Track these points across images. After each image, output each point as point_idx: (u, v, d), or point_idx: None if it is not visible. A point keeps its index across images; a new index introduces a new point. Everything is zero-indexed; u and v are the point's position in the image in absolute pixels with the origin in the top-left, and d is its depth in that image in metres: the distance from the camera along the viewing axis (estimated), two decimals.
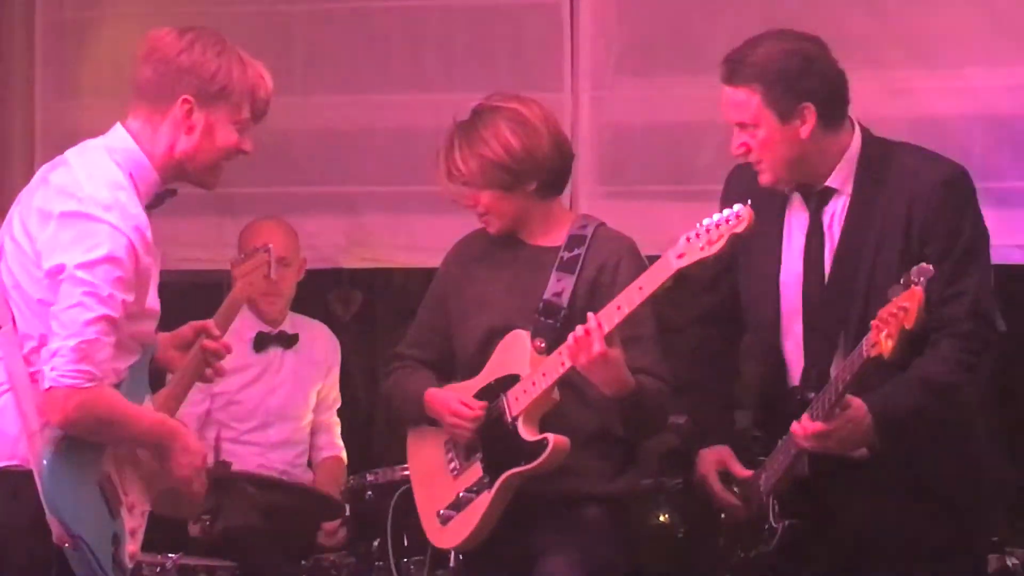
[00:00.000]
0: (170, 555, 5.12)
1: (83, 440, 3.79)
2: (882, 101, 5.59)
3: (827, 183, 4.26)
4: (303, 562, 5.44)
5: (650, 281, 4.16)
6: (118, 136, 3.91)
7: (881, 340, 3.87)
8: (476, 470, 4.45)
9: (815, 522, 4.26)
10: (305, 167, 6.49)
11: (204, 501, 4.10)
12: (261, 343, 5.95)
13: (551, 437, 4.32)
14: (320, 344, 6.08)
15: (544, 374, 4.33)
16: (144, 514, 3.98)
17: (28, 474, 3.77)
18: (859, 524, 4.21)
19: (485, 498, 4.41)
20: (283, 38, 6.38)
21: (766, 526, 4.32)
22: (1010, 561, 5.29)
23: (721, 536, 4.53)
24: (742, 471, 4.37)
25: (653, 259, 4.26)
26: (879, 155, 4.23)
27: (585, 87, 6.26)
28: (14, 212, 3.91)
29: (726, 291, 4.46)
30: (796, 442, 4.15)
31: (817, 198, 4.27)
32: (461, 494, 4.46)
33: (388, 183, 6.46)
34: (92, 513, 3.82)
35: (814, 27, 4.40)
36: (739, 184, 4.41)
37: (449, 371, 4.63)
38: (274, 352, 5.93)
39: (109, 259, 3.73)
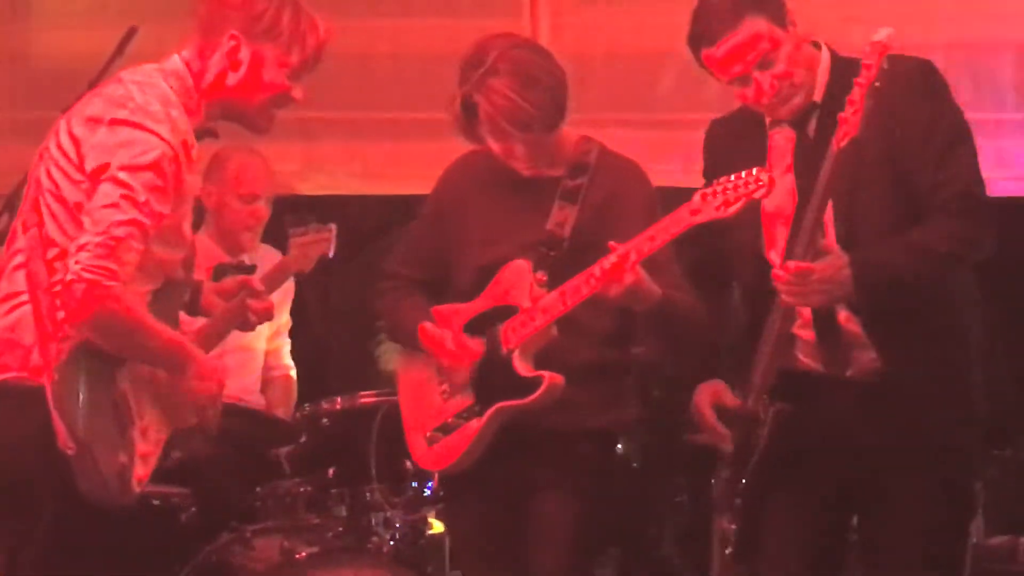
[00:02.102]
0: None
1: (98, 352, 3.81)
2: (841, 27, 5.56)
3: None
4: (257, 489, 5.41)
5: (662, 231, 4.12)
6: (172, 62, 3.99)
7: (849, 123, 3.88)
8: (467, 396, 4.41)
9: (803, 417, 4.19)
10: None
11: (212, 429, 4.11)
12: (220, 273, 5.89)
13: (547, 375, 4.29)
14: None
15: (544, 311, 4.29)
16: (159, 443, 3.99)
17: (37, 389, 3.79)
18: (843, 438, 4.17)
19: (474, 426, 4.37)
20: None
21: (757, 438, 4.24)
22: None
23: (724, 469, 4.48)
24: (734, 400, 4.34)
25: None
26: (849, 67, 4.19)
27: (545, 14, 6.22)
28: (60, 122, 3.97)
29: (711, 243, 4.38)
30: (779, 296, 4.07)
31: (800, 116, 4.21)
32: (450, 419, 4.43)
33: (344, 109, 6.40)
34: (100, 424, 3.83)
35: None
36: (718, 132, 4.41)
37: (440, 292, 4.57)
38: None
39: (153, 167, 3.79)
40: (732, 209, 4.03)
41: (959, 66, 5.75)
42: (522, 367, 4.32)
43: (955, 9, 5.84)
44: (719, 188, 4.04)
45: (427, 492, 5.20)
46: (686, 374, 4.49)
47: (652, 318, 4.26)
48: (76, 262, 3.73)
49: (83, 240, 3.74)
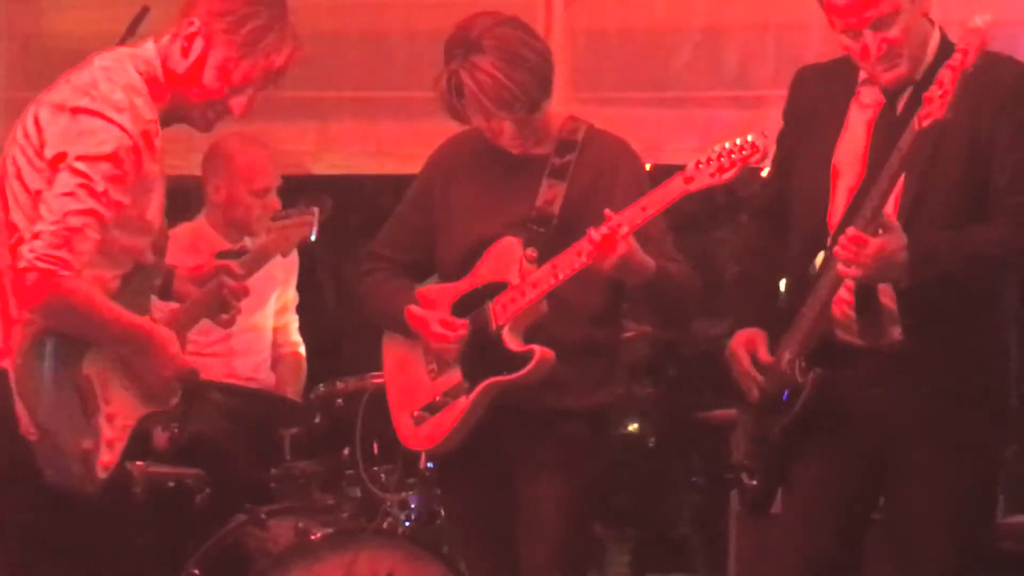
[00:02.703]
0: (136, 463, 5.07)
1: (63, 337, 3.81)
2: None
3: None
4: (272, 470, 5.40)
5: (654, 202, 4.12)
6: (146, 47, 3.97)
7: (935, 104, 3.83)
8: (455, 375, 4.39)
9: (843, 382, 4.18)
10: None
11: (172, 407, 4.07)
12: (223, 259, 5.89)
13: (537, 349, 4.27)
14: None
15: (534, 285, 4.27)
16: (126, 429, 3.96)
17: (0, 372, 3.79)
18: (876, 413, 4.16)
19: (462, 403, 4.35)
20: None
21: (789, 398, 4.23)
22: None
23: (740, 427, 4.45)
24: (767, 356, 4.31)
25: None
26: (951, 51, 4.17)
27: None
28: (29, 107, 3.94)
29: (781, 186, 4.39)
30: (834, 263, 4.05)
31: (892, 87, 4.19)
32: (438, 398, 4.41)
33: (357, 88, 6.38)
34: (63, 410, 3.82)
35: None
36: (808, 79, 4.39)
37: (426, 274, 4.56)
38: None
39: (111, 157, 3.77)
40: (727, 175, 4.02)
41: None
42: (512, 342, 4.31)
43: None
44: (714, 155, 4.04)
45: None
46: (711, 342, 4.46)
47: (646, 290, 4.25)
48: (30, 250, 3.72)
49: (38, 228, 3.73)
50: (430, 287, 4.51)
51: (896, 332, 4.15)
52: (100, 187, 3.75)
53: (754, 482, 4.35)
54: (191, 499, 5.19)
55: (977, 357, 4.17)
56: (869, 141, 4.20)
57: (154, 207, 3.95)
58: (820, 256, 4.19)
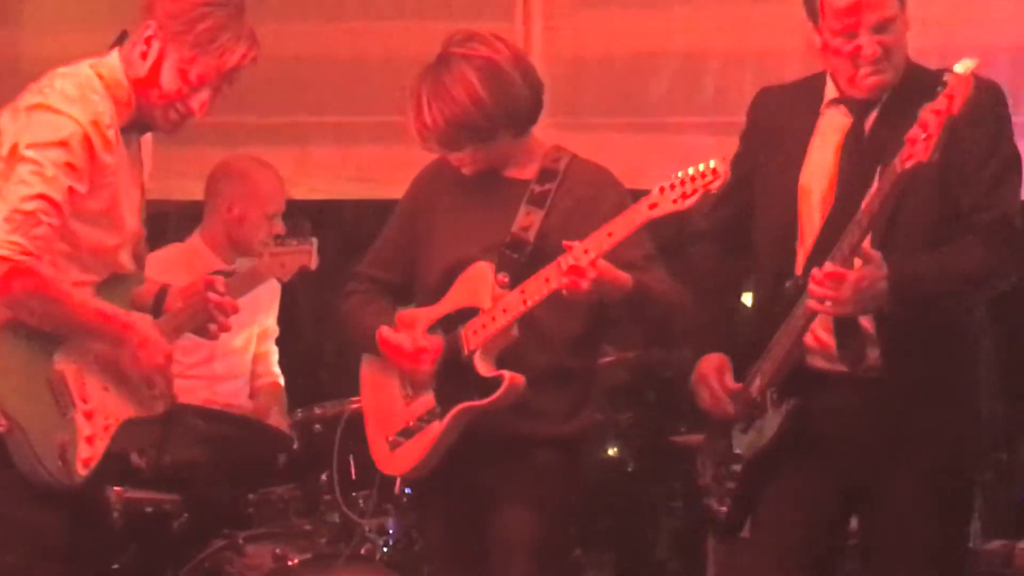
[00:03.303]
0: (115, 488, 5.06)
1: (31, 331, 3.85)
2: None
3: None
4: (250, 495, 5.39)
5: (620, 228, 4.13)
6: (109, 56, 4.05)
7: (919, 146, 3.85)
8: (428, 399, 4.40)
9: (814, 409, 4.20)
10: (253, 97, 6.39)
11: (169, 401, 4.13)
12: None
13: (507, 375, 4.27)
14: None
15: (504, 310, 4.28)
16: (108, 428, 4.00)
17: None
18: (849, 435, 4.18)
19: (436, 428, 4.36)
20: None
21: (760, 428, 4.25)
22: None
23: (706, 452, 4.47)
24: (733, 383, 4.32)
25: None
26: (918, 70, 4.21)
27: (537, 17, 6.20)
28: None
29: (738, 205, 4.39)
30: (807, 300, 4.06)
31: (863, 106, 4.21)
32: (412, 422, 4.41)
33: (337, 113, 6.39)
34: (33, 403, 3.86)
35: None
36: (769, 100, 4.41)
37: (410, 295, 4.56)
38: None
39: (60, 144, 3.85)
40: (689, 202, 4.04)
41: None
42: (483, 368, 4.31)
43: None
44: (676, 180, 4.05)
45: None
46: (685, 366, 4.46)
47: (626, 307, 4.25)
48: None
49: None
50: (408, 311, 4.51)
51: (874, 355, 4.15)
52: (50, 172, 3.83)
53: (723, 508, 4.36)
54: (169, 524, 5.18)
55: (950, 381, 4.18)
56: (837, 166, 4.20)
57: (125, 206, 3.99)
58: (789, 284, 4.20)
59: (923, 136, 3.86)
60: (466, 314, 4.36)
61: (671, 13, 6.10)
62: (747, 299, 4.51)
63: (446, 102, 4.32)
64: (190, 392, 5.60)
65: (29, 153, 3.84)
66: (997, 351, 5.08)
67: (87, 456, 3.93)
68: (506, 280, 4.32)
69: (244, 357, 5.94)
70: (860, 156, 4.17)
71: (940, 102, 3.87)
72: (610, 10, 6.17)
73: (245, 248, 5.81)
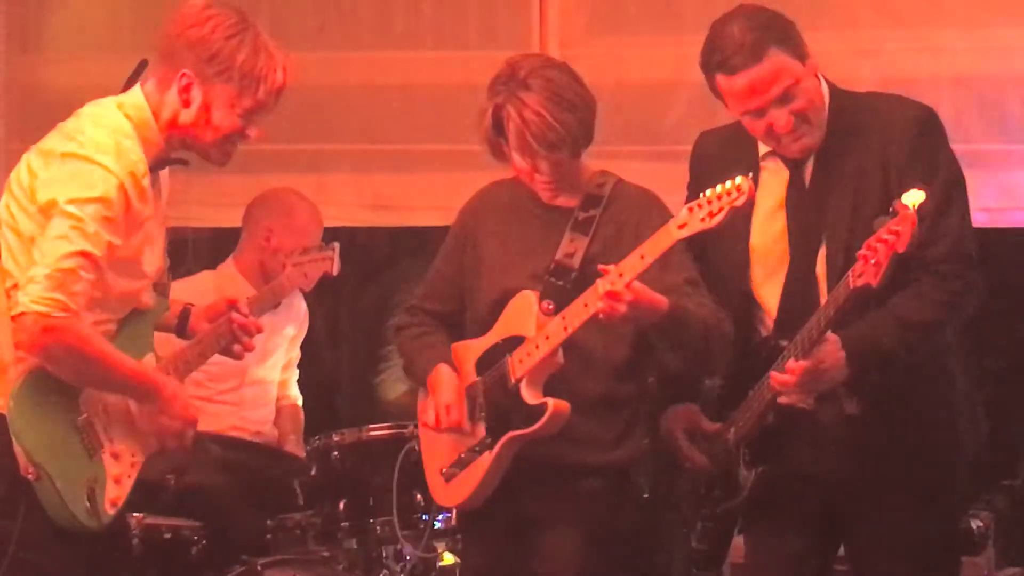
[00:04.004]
0: (134, 514, 5.08)
1: (58, 379, 3.85)
2: (850, 61, 5.58)
3: None
4: (268, 522, 5.41)
5: (651, 250, 4.11)
6: (133, 93, 4.02)
7: (869, 269, 3.83)
8: (480, 429, 4.42)
9: (786, 470, 4.24)
10: (270, 124, 6.40)
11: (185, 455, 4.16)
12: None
13: (550, 402, 4.28)
14: (296, 306, 6.05)
15: (547, 337, 4.28)
16: (135, 466, 4.02)
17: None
18: (830, 473, 4.19)
19: (487, 458, 4.37)
20: None
21: (736, 478, 4.30)
22: (975, 524, 5.29)
23: (685, 495, 4.52)
24: (710, 426, 4.36)
25: None
26: (849, 103, 4.19)
27: (553, 46, 6.23)
28: (24, 156, 4.00)
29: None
30: (773, 386, 4.11)
31: (793, 160, 4.21)
32: (464, 453, 4.43)
33: (353, 141, 6.42)
34: (60, 448, 3.86)
35: None
36: (708, 148, 4.39)
37: (464, 323, 4.55)
38: (265, 318, 5.86)
39: (100, 200, 3.83)
40: (716, 220, 4.03)
41: (967, 98, 5.77)
42: (529, 396, 4.32)
43: (963, 43, 5.85)
44: (704, 200, 4.05)
45: (438, 524, 5.19)
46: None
47: (661, 329, 4.22)
48: (26, 294, 3.77)
49: (32, 272, 3.79)
50: (461, 343, 4.52)
51: (852, 406, 4.16)
52: (91, 228, 3.81)
53: (704, 547, 4.40)
54: (188, 550, 5.18)
55: (927, 412, 4.18)
56: (786, 223, 4.19)
57: (152, 252, 4.00)
58: (762, 346, 4.22)
59: (873, 261, 3.84)
60: (513, 343, 4.37)
61: (686, 41, 6.08)
62: None
63: (566, 104, 4.27)
64: (218, 418, 5.65)
65: (70, 208, 3.81)
66: (1009, 374, 5.10)
67: (114, 496, 3.95)
68: (551, 308, 4.32)
69: (270, 386, 5.98)
70: (805, 211, 4.17)
71: (889, 236, 3.83)
72: (625, 38, 6.20)
73: (273, 275, 5.83)
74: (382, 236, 7.02)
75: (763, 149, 4.24)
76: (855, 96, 4.24)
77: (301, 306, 6.08)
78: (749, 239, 4.26)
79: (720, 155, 4.32)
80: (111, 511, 3.94)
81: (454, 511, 4.77)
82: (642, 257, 4.12)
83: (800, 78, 4.08)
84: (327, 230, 6.78)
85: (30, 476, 3.81)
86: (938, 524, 4.23)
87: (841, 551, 4.41)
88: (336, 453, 5.34)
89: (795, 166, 4.20)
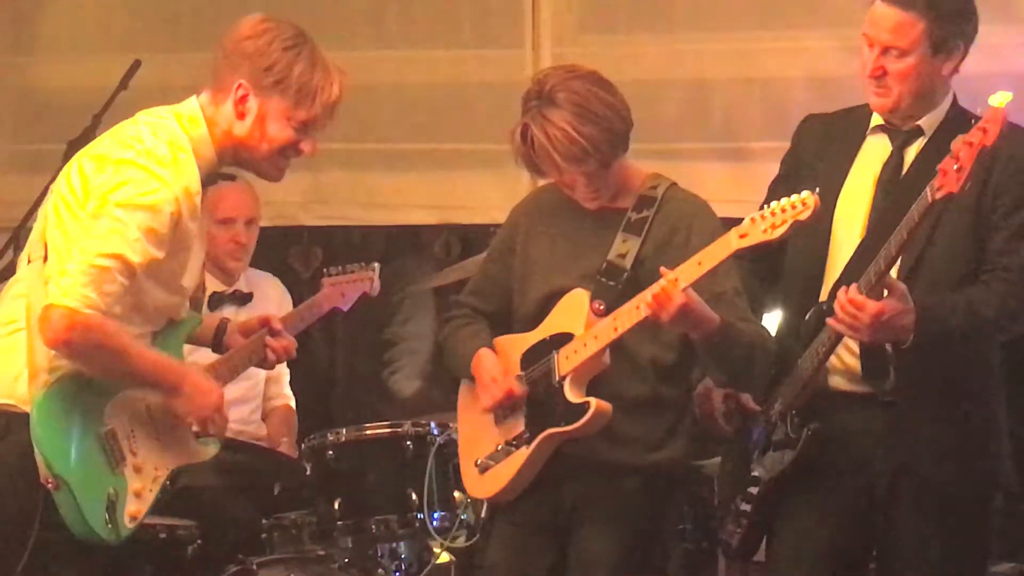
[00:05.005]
0: None
1: (86, 387, 3.84)
2: (843, 56, 5.59)
3: (918, 122, 4.26)
4: (263, 521, 5.41)
5: (710, 257, 4.11)
6: (188, 105, 3.99)
7: (951, 176, 3.86)
8: (519, 423, 4.40)
9: (835, 434, 4.23)
10: None
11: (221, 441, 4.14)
12: (216, 303, 5.91)
13: (593, 401, 4.26)
14: (273, 299, 6.04)
15: (596, 337, 4.27)
16: (157, 479, 4.01)
17: (22, 416, 3.82)
18: (866, 458, 4.21)
19: (523, 453, 4.36)
20: None
21: (778, 445, 4.29)
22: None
23: (723, 477, 4.53)
24: (752, 404, 4.38)
25: None
26: (961, 116, 4.23)
27: (546, 44, 6.24)
28: (73, 159, 3.98)
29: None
30: (829, 319, 4.11)
31: (904, 136, 4.26)
32: (501, 446, 4.41)
33: (348, 140, 6.43)
34: (83, 459, 3.84)
35: None
36: (815, 124, 4.45)
37: (508, 323, 4.53)
38: (228, 311, 5.87)
39: (150, 208, 3.80)
40: (778, 232, 4.02)
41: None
42: (572, 394, 4.31)
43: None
44: (767, 211, 4.04)
45: (433, 523, 5.20)
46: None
47: (709, 345, 4.21)
48: (56, 287, 3.76)
49: (67, 265, 3.78)
50: (506, 336, 4.50)
51: (889, 381, 4.18)
52: (133, 234, 3.79)
53: (738, 531, 4.39)
54: (183, 550, 5.18)
55: (966, 409, 4.21)
56: (873, 196, 4.24)
57: (192, 267, 3.98)
58: (813, 311, 4.24)
59: (955, 167, 3.87)
60: (561, 340, 4.35)
61: (679, 39, 6.14)
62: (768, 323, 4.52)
63: (592, 117, 4.25)
64: None
65: (117, 212, 3.78)
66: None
67: (134, 510, 3.93)
68: (602, 308, 4.30)
69: (255, 382, 5.97)
70: (896, 188, 4.21)
71: (974, 134, 3.88)
72: (618, 37, 6.21)
73: (216, 262, 5.83)
74: (376, 235, 7.03)
75: (873, 121, 4.30)
76: (967, 113, 4.25)
77: (280, 297, 6.06)
78: (833, 211, 4.28)
79: (825, 131, 4.39)
80: (130, 525, 3.93)
81: (485, 503, 4.77)
82: (699, 264, 4.11)
83: (909, 52, 4.16)
84: (321, 229, 6.82)
85: (49, 485, 3.79)
86: (970, 520, 4.25)
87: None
88: (331, 452, 5.34)
89: (899, 146, 4.25)
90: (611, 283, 4.33)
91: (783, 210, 4.02)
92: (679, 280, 4.10)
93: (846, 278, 4.18)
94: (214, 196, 5.83)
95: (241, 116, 3.95)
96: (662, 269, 4.14)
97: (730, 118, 6.14)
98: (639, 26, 6.16)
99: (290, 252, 6.98)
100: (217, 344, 4.30)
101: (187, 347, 4.26)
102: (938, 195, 3.90)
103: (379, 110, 6.45)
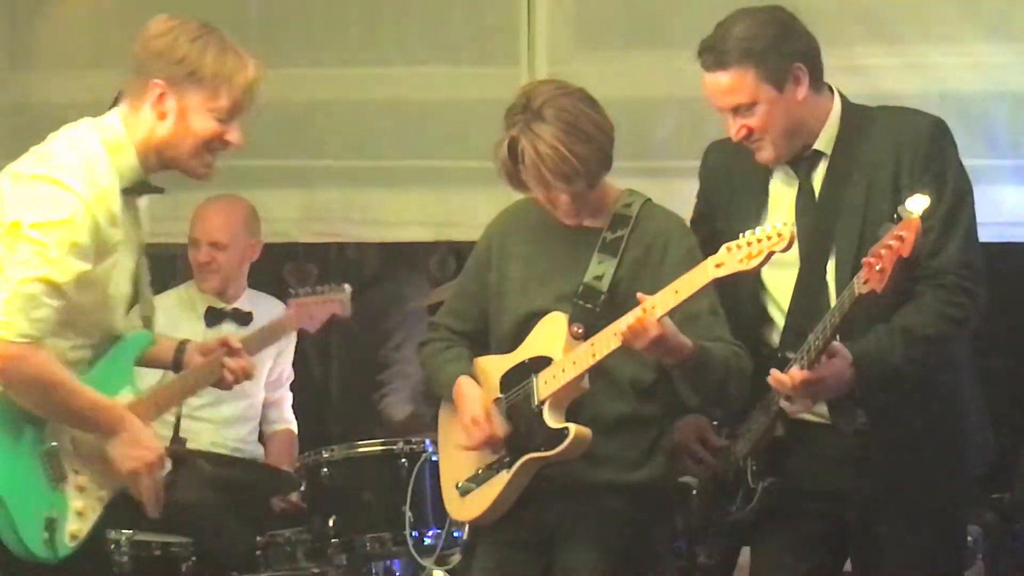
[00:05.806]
0: (124, 531, 5.08)
1: (23, 408, 3.81)
2: (838, 77, 5.59)
3: (815, 147, 4.24)
4: (258, 538, 5.41)
5: (686, 286, 4.09)
6: (108, 115, 3.99)
7: (874, 275, 3.84)
8: (499, 447, 4.38)
9: (793, 482, 4.25)
10: (259, 141, 6.39)
11: (157, 506, 4.05)
12: (214, 319, 5.91)
13: (572, 427, 4.25)
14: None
15: (574, 362, 4.26)
16: (100, 499, 3.97)
17: None
18: (837, 489, 4.20)
19: (503, 477, 4.35)
20: (237, 10, 6.32)
21: (742, 491, 4.30)
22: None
23: (694, 505, 4.53)
24: (717, 441, 4.37)
25: None
26: (860, 116, 4.23)
27: (542, 62, 6.24)
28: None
29: None
30: (777, 397, 4.13)
31: (806, 164, 4.25)
32: (481, 469, 4.41)
33: (343, 157, 6.43)
34: (21, 476, 3.82)
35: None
36: (717, 160, 4.43)
37: (485, 341, 4.53)
38: (228, 329, 5.87)
39: (64, 224, 3.78)
40: (755, 262, 4.00)
41: (953, 114, 5.78)
42: (551, 419, 4.30)
43: (949, 60, 5.89)
44: (743, 241, 4.03)
45: (428, 540, 5.20)
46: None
47: (683, 369, 4.21)
48: None
49: None
50: (486, 358, 4.49)
51: (859, 420, 4.18)
52: (53, 253, 3.76)
53: (711, 560, 4.40)
54: (177, 567, 5.19)
55: (935, 428, 4.19)
56: (795, 222, 4.17)
57: (118, 276, 3.94)
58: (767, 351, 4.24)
59: (878, 268, 3.85)
60: (540, 363, 4.35)
61: (675, 57, 6.13)
62: None
63: (581, 135, 4.25)
64: (197, 435, 5.63)
65: (33, 233, 3.77)
66: (1002, 387, 5.10)
67: (75, 529, 3.90)
68: (580, 331, 4.29)
69: (252, 403, 5.97)
70: (816, 212, 4.20)
71: (895, 242, 3.84)
72: (614, 54, 6.21)
73: (200, 283, 5.84)
74: (371, 251, 7.03)
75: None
76: (866, 108, 4.29)
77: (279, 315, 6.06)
78: None
79: (727, 165, 4.37)
80: (71, 544, 3.89)
81: (466, 526, 4.76)
82: (676, 292, 4.10)
83: (758, 100, 4.15)
84: (316, 246, 6.82)
85: None
86: (943, 540, 4.25)
87: (847, 566, 4.41)
88: (326, 469, 5.34)
89: (804, 175, 4.23)
90: (588, 305, 4.32)
91: (759, 240, 4.01)
92: (656, 308, 4.09)
93: (791, 325, 4.18)
94: (192, 216, 5.88)
95: (162, 116, 3.94)
96: (640, 296, 4.13)
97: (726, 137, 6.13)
98: (635, 44, 6.16)
99: (285, 268, 6.99)
100: (177, 365, 4.26)
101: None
102: (863, 290, 3.88)
103: (374, 127, 6.45)
